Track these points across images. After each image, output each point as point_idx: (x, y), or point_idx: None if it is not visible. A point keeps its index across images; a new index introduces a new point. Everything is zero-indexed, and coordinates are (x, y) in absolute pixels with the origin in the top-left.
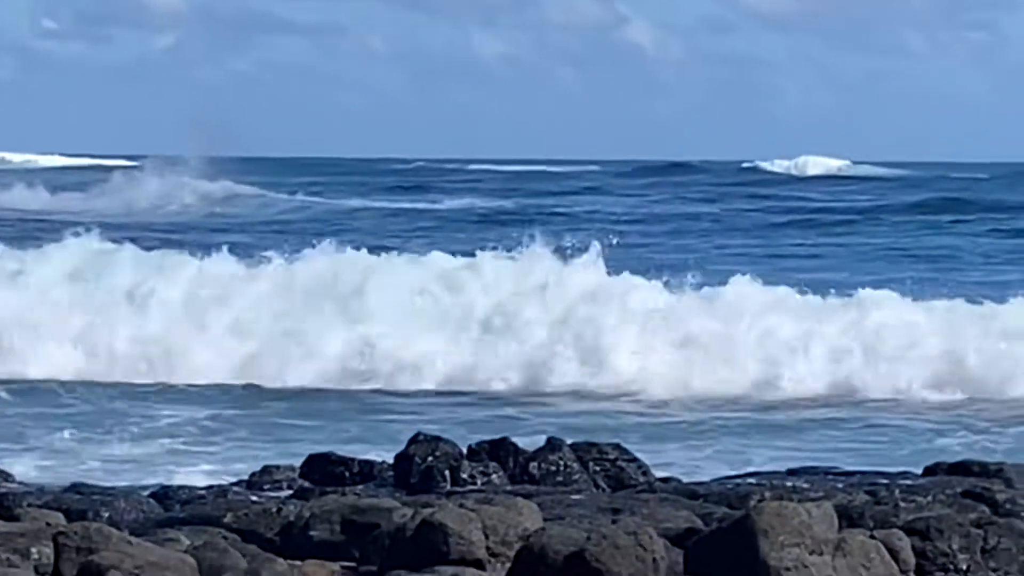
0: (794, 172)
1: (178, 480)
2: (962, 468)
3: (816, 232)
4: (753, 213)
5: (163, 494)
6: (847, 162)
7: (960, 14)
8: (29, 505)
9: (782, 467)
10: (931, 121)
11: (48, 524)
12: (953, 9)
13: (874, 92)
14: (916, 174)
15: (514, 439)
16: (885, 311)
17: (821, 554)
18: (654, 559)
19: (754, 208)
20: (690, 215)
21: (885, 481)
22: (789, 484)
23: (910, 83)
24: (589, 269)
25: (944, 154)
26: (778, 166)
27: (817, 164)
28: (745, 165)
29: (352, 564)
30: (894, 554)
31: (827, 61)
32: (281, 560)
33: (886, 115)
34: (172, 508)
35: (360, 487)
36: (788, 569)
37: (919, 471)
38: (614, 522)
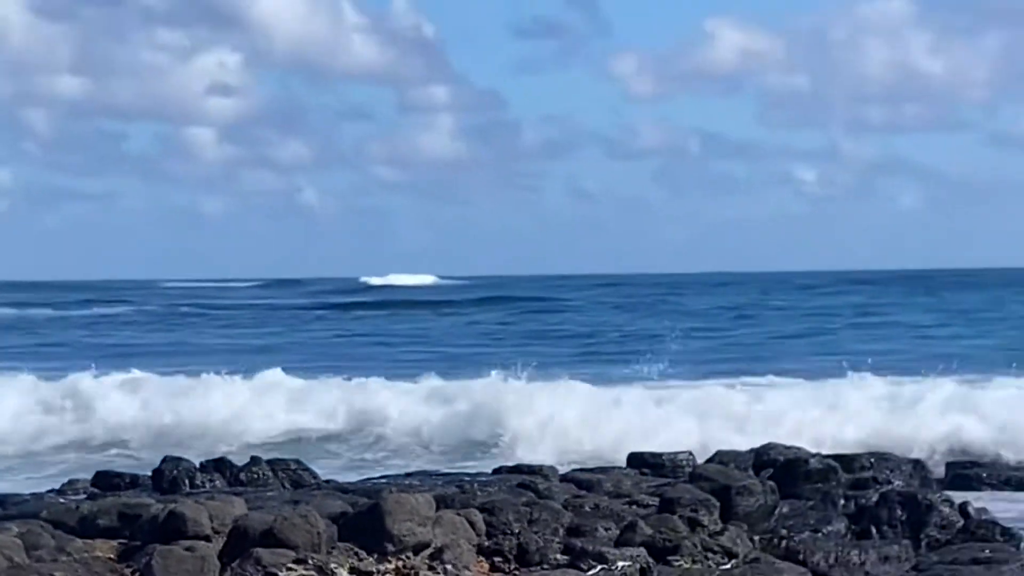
0: (394, 283)
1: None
2: (518, 469)
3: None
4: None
5: (2, 499)
6: (434, 277)
7: (515, 178)
8: None
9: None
10: (499, 247)
11: None
12: (510, 172)
13: (460, 231)
14: (477, 283)
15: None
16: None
17: (425, 526)
18: (318, 532)
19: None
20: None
21: (468, 478)
22: (407, 482)
23: (482, 223)
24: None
25: (508, 269)
26: (383, 279)
27: (412, 278)
28: (363, 280)
29: (125, 541)
30: (472, 525)
31: (427, 210)
32: (79, 540)
33: (468, 245)
34: (8, 508)
35: (130, 491)
36: (404, 535)
37: (490, 472)
38: (294, 509)
